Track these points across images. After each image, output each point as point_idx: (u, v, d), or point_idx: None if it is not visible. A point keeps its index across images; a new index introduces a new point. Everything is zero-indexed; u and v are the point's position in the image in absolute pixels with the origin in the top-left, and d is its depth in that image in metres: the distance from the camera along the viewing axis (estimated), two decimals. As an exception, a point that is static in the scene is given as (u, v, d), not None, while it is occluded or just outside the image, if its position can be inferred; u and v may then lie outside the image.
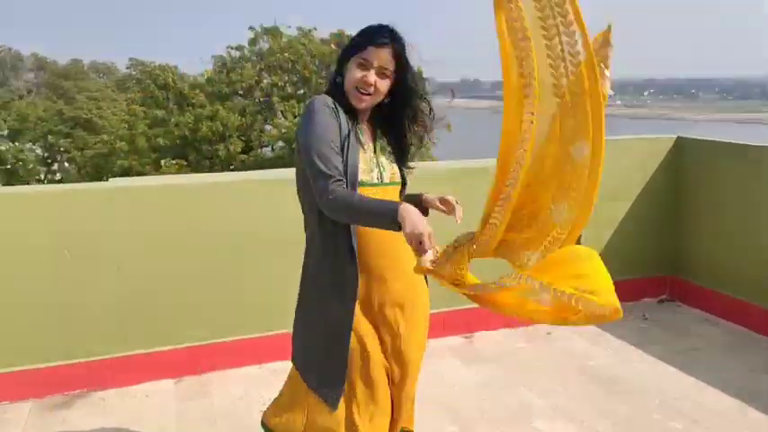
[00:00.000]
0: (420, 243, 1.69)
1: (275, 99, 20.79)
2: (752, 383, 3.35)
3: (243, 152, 20.65)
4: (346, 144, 1.91)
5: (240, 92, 21.54)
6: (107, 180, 3.88)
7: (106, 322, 3.32)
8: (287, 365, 3.46)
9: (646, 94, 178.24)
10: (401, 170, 2.10)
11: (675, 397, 3.23)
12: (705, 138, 4.53)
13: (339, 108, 1.95)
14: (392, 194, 2.02)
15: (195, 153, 20.85)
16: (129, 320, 3.35)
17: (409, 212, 1.71)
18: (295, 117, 19.87)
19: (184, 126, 20.61)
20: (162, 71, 22.82)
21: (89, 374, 3.31)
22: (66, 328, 3.25)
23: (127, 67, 37.02)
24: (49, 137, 29.11)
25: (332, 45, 21.93)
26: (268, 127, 21.02)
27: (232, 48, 22.30)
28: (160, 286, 3.38)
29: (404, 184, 2.13)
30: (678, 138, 4.57)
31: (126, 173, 21.46)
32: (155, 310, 3.39)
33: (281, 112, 20.47)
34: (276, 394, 3.27)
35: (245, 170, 18.62)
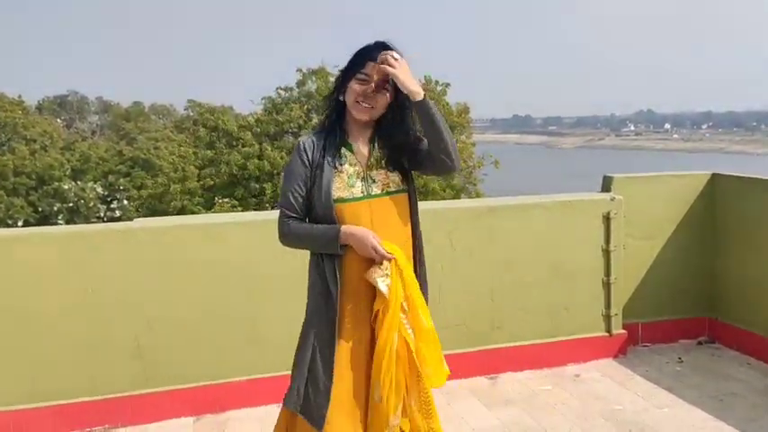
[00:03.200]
0: (375, 251, 2.02)
1: (321, 138, 21.14)
2: (791, 433, 3.15)
3: (290, 190, 21.02)
4: (318, 171, 2.11)
5: (289, 131, 22.03)
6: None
7: (128, 359, 3.38)
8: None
9: (704, 127, 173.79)
10: (407, 177, 2.21)
11: (705, 446, 3.06)
12: (741, 174, 4.36)
13: (322, 137, 2.15)
14: (385, 205, 2.14)
15: (243, 191, 21.33)
16: (150, 358, 3.40)
17: (351, 230, 2.04)
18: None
19: (234, 164, 21.16)
20: (212, 113, 23.56)
21: (110, 411, 3.36)
22: (88, 365, 3.33)
23: (185, 109, 38.45)
24: (110, 176, 30.32)
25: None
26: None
27: (281, 89, 22.94)
28: (182, 324, 3.43)
29: (411, 191, 2.23)
30: (714, 174, 4.42)
31: (180, 212, 22.10)
32: (175, 348, 3.43)
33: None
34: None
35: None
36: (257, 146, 21.43)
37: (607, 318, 4.12)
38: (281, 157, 21.06)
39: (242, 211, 19.48)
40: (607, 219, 4.03)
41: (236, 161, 21.44)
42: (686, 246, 4.38)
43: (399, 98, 2.14)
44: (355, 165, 2.15)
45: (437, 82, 22.66)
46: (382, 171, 2.17)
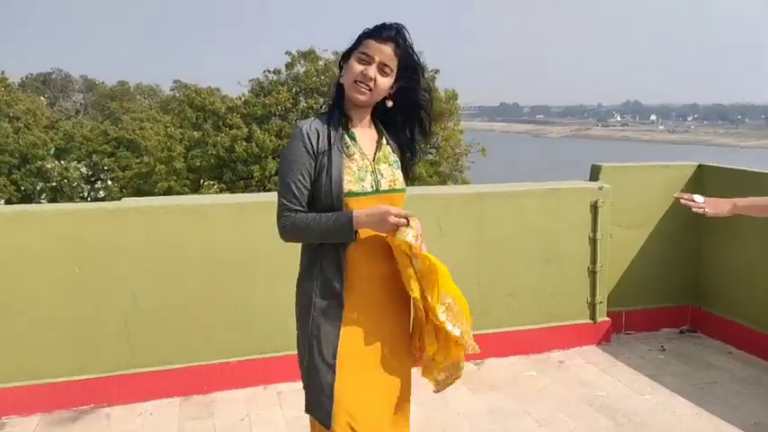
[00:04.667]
0: (394, 217, 1.85)
1: (310, 121, 21.08)
2: (769, 421, 3.21)
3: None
4: (326, 160, 1.93)
5: (277, 114, 21.92)
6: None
7: (115, 340, 3.37)
8: (292, 387, 3.51)
9: (689, 119, 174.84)
10: (406, 177, 2.09)
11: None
12: (728, 165, 4.42)
13: (324, 123, 1.96)
14: (393, 202, 1.98)
15: (231, 173, 21.23)
16: (137, 338, 3.40)
17: (366, 210, 1.88)
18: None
19: (221, 146, 21.03)
20: (198, 94, 23.37)
21: (97, 391, 3.36)
22: (75, 345, 3.32)
23: (171, 89, 38.10)
24: (94, 156, 30.00)
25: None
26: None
27: (269, 72, 22.78)
28: (169, 305, 3.43)
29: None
30: (700, 165, 4.47)
31: (166, 193, 21.96)
32: (163, 328, 3.43)
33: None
34: (279, 416, 3.30)
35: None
36: (245, 128, 21.30)
37: (592, 305, 4.17)
38: (270, 140, 20.96)
39: (229, 193, 19.39)
40: (595, 207, 4.06)
41: (223, 143, 21.32)
42: (672, 235, 4.43)
43: (405, 85, 2.01)
44: (363, 156, 1.99)
45: (425, 68, 22.58)
46: (388, 167, 2.03)
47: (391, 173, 2.03)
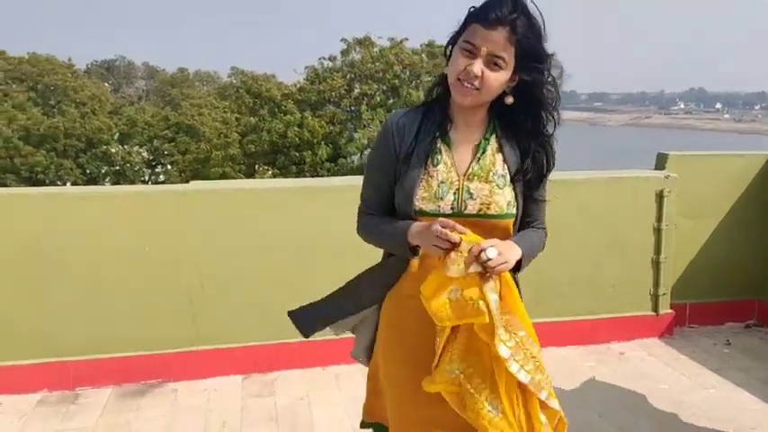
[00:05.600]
0: (436, 238, 1.49)
1: (363, 108, 21.18)
2: (842, 420, 3.09)
3: (331, 159, 21.16)
4: (404, 168, 1.63)
5: (331, 101, 22.09)
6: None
7: (181, 317, 3.49)
8: (350, 369, 3.57)
9: (757, 108, 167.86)
10: (517, 199, 1.65)
11: (752, 427, 3.03)
12: (802, 155, 4.24)
13: (418, 119, 1.66)
14: (485, 230, 1.57)
15: (284, 158, 21.54)
16: (202, 317, 3.51)
17: (419, 225, 1.57)
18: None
19: (274, 132, 21.35)
20: (255, 81, 23.74)
21: (165, 366, 3.49)
22: (144, 321, 3.45)
23: (228, 76, 38.83)
24: (155, 141, 30.91)
25: (422, 55, 22.12)
26: (356, 135, 21.42)
27: (324, 59, 22.95)
28: (233, 286, 3.52)
29: (518, 217, 1.67)
30: (772, 154, 4.31)
31: (222, 178, 22.46)
32: (226, 308, 3.53)
33: (369, 120, 20.81)
34: (337, 398, 3.36)
35: (332, 176, 19.11)
36: (298, 114, 21.56)
37: (655, 297, 4.08)
38: (321, 126, 21.14)
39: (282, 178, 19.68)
40: (660, 197, 3.96)
41: (277, 129, 21.63)
42: (738, 227, 4.29)
43: (526, 78, 1.58)
44: (451, 168, 1.62)
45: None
46: (485, 185, 1.62)
47: (488, 193, 1.61)
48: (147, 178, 31.22)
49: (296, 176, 20.04)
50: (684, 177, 4.06)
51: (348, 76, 22.06)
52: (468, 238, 1.50)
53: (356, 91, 21.95)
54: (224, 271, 3.51)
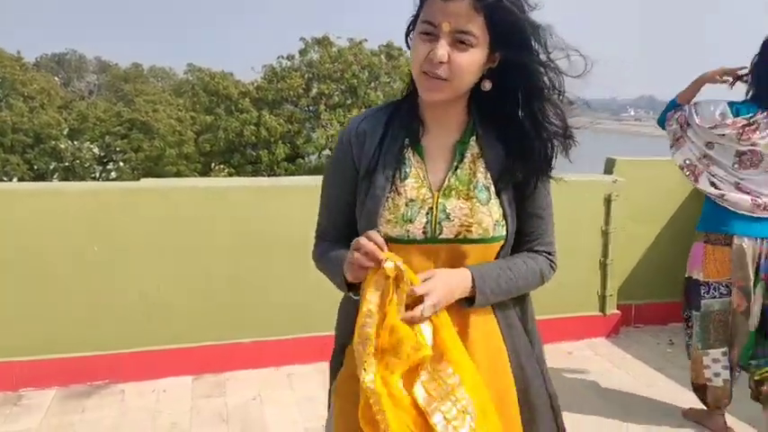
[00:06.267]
0: (355, 266, 1.23)
1: (321, 108, 21.14)
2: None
3: (288, 159, 21.06)
4: (365, 184, 1.32)
5: (289, 100, 21.98)
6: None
7: (130, 317, 3.43)
8: (303, 369, 3.57)
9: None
10: (506, 215, 1.33)
11: (692, 424, 3.15)
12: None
13: (383, 123, 1.35)
14: (460, 257, 1.31)
15: (240, 157, 21.34)
16: (152, 316, 3.46)
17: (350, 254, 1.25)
18: (342, 125, 20.17)
19: (231, 131, 21.14)
20: (212, 78, 23.46)
21: (112, 366, 3.42)
22: (92, 321, 3.38)
23: (184, 73, 38.23)
24: (107, 137, 30.18)
25: (381, 56, 22.20)
26: (315, 135, 21.37)
27: (283, 58, 22.82)
28: (184, 285, 3.48)
29: (509, 238, 1.35)
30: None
31: (176, 176, 22.11)
32: (177, 307, 3.48)
33: (328, 121, 20.78)
34: (289, 398, 3.35)
35: (289, 176, 19.01)
36: (256, 113, 21.38)
37: (602, 298, 4.19)
38: (279, 125, 21.02)
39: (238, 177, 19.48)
40: (608, 201, 4.07)
41: (233, 128, 21.41)
42: (682, 231, 4.41)
43: (510, 57, 1.24)
44: (422, 183, 1.31)
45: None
46: (464, 202, 1.29)
47: (468, 212, 1.29)
48: (97, 175, 30.42)
49: (252, 176, 19.86)
50: (632, 182, 4.19)
51: (306, 75, 21.99)
52: (393, 257, 1.21)
53: (314, 90, 21.89)
54: (176, 270, 3.47)
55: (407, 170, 1.31)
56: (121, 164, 30.11)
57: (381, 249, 1.21)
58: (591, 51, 1.27)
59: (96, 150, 30.69)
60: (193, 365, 3.54)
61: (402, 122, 1.34)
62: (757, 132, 2.76)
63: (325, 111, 21.21)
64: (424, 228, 1.29)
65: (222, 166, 23.39)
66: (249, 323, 3.61)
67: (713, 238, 2.93)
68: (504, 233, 1.33)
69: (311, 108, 22.15)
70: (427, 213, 1.29)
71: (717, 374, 2.98)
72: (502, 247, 1.35)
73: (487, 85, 1.28)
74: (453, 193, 1.30)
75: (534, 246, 1.42)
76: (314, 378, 3.50)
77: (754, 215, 2.81)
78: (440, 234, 1.29)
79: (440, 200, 1.29)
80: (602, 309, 4.21)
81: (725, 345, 2.98)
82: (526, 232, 1.40)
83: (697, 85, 3.03)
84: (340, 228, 1.41)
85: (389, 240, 1.27)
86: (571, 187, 4.06)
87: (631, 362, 3.89)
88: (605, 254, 4.14)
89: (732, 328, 2.96)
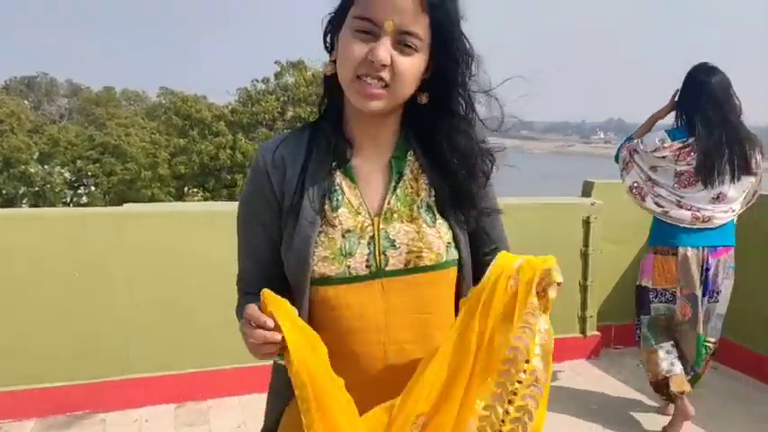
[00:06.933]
0: (251, 340, 1.04)
1: (297, 131, 21.23)
2: (754, 434, 3.30)
3: (263, 182, 21.06)
4: (289, 220, 1.14)
5: (264, 123, 21.98)
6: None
7: (112, 345, 3.38)
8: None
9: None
10: (456, 236, 1.18)
11: (674, 444, 3.19)
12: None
13: (303, 146, 1.18)
14: (413, 290, 1.14)
15: (215, 181, 21.24)
16: (134, 344, 3.41)
17: (249, 308, 1.06)
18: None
19: (205, 154, 21.05)
20: (185, 101, 23.39)
21: (92, 396, 3.36)
22: (72, 350, 3.32)
23: (157, 96, 38.06)
24: (78, 161, 29.79)
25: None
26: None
27: (258, 81, 22.86)
28: (166, 311, 3.44)
29: (464, 259, 1.19)
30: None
31: (150, 200, 21.90)
32: (160, 335, 3.44)
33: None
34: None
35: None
36: (231, 136, 21.34)
37: (582, 319, 4.24)
38: (254, 148, 20.99)
39: (213, 201, 19.37)
40: (587, 223, 4.15)
41: (207, 151, 21.32)
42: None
43: (450, 63, 1.12)
44: (358, 209, 1.15)
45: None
46: (409, 225, 1.14)
47: (415, 235, 1.14)
48: (68, 200, 30.00)
49: (228, 199, 19.74)
50: (609, 204, 4.27)
51: (282, 98, 22.04)
52: (291, 335, 1.02)
53: (290, 114, 21.94)
54: (158, 296, 3.43)
55: (339, 197, 1.14)
56: (93, 188, 29.71)
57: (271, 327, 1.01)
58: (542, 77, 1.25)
59: (67, 175, 30.27)
60: (176, 393, 3.49)
61: (326, 143, 1.17)
62: (691, 154, 3.09)
63: (301, 134, 21.31)
64: (367, 260, 1.12)
65: (196, 190, 23.25)
66: (231, 349, 3.55)
67: (661, 250, 3.27)
68: (457, 256, 1.18)
69: (286, 131, 22.21)
70: (369, 243, 1.12)
71: (672, 364, 3.24)
72: (461, 275, 1.19)
73: (424, 99, 1.15)
74: (395, 216, 1.14)
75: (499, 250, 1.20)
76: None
77: (696, 227, 3.14)
78: (386, 266, 1.12)
79: (381, 226, 1.13)
80: (583, 330, 4.25)
81: (671, 340, 3.30)
82: (487, 241, 1.27)
83: (650, 122, 3.42)
84: (264, 274, 1.20)
85: (326, 282, 1.11)
86: (550, 210, 4.18)
87: (612, 383, 3.93)
88: (585, 275, 4.20)
89: (680, 335, 3.28)
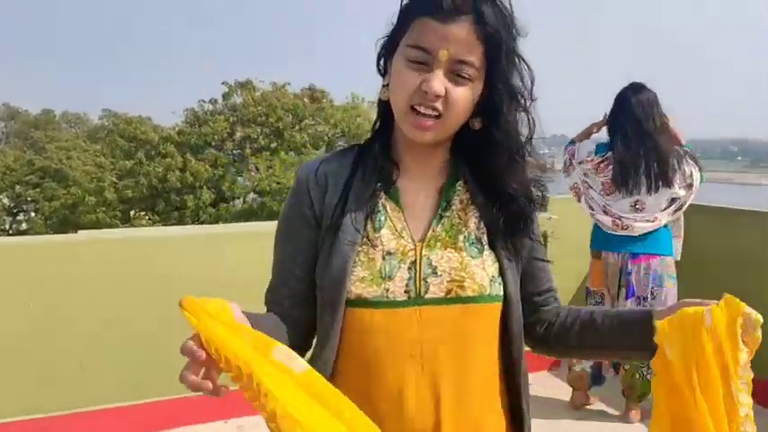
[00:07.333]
0: (186, 374, 0.95)
1: (248, 151, 20.99)
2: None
3: (214, 204, 20.69)
4: (328, 239, 1.11)
5: (213, 144, 21.70)
6: (74, 231, 3.89)
7: (69, 376, 3.27)
8: (252, 420, 3.48)
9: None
10: (503, 269, 1.12)
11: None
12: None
13: (348, 165, 1.16)
14: (451, 321, 1.08)
15: (164, 203, 20.82)
16: (93, 374, 3.31)
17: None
18: (268, 169, 20.06)
19: (153, 176, 20.63)
20: (129, 123, 22.93)
21: (52, 430, 3.23)
22: (29, 383, 3.20)
23: (99, 118, 37.16)
24: (17, 186, 28.74)
25: (304, 99, 22.36)
26: (241, 179, 21.12)
27: (205, 102, 22.60)
28: (126, 339, 3.36)
29: (510, 298, 1.13)
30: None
31: (95, 226, 21.27)
32: (120, 363, 3.35)
33: (255, 165, 20.64)
34: (240, 450, 3.26)
35: (215, 221, 18.66)
36: (180, 158, 20.98)
37: (543, 331, 4.31)
38: (206, 170, 20.70)
39: (162, 224, 18.98)
40: (545, 237, 4.22)
41: (156, 173, 20.89)
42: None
43: (506, 90, 1.08)
44: (401, 233, 1.11)
45: (363, 99, 22.92)
46: (454, 253, 1.10)
47: (458, 265, 1.09)
48: (7, 227, 28.88)
49: (178, 222, 19.37)
50: (564, 219, 4.37)
51: (231, 119, 21.80)
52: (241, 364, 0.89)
53: (239, 134, 21.70)
54: (116, 324, 3.34)
55: (381, 218, 1.11)
56: (33, 214, 28.69)
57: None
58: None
59: (6, 201, 29.18)
60: (136, 424, 3.39)
61: (373, 164, 1.14)
62: (609, 167, 3.39)
63: (251, 155, 21.05)
64: (407, 285, 1.07)
65: (144, 213, 22.70)
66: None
67: (594, 253, 3.59)
68: (502, 292, 1.11)
69: (236, 152, 21.93)
70: (409, 268, 1.08)
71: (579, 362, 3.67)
72: (508, 311, 1.13)
73: (477, 125, 1.11)
74: (439, 244, 1.10)
75: (553, 297, 1.25)
76: (264, 429, 3.42)
77: (617, 233, 3.42)
78: (426, 293, 1.07)
79: (423, 252, 1.09)
80: (544, 342, 4.32)
81: None
82: (540, 286, 1.23)
83: (588, 131, 3.74)
84: (294, 292, 1.15)
85: (362, 304, 1.06)
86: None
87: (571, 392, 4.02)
88: (544, 289, 4.27)
89: None
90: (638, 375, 3.54)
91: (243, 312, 1.00)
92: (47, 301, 3.22)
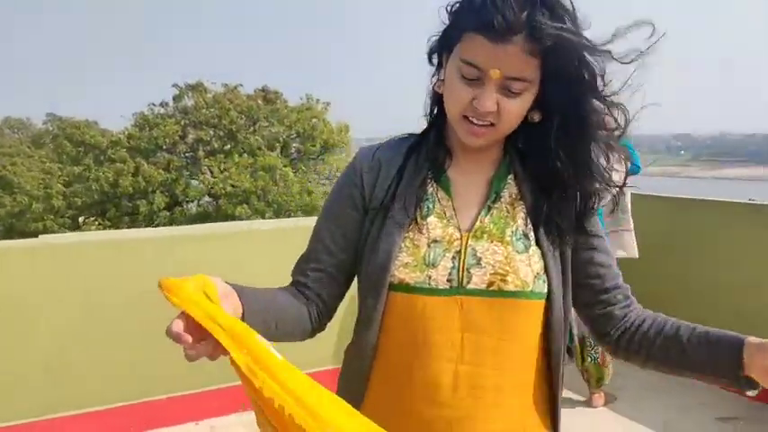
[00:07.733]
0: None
1: (201, 154, 20.69)
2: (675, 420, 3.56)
3: (168, 207, 20.32)
4: (378, 220, 1.13)
5: (165, 147, 21.29)
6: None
7: (33, 384, 3.19)
8: (225, 421, 3.46)
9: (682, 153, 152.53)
10: (548, 266, 1.10)
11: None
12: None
13: (402, 152, 1.17)
14: (493, 312, 1.07)
15: (115, 209, 20.34)
16: (57, 381, 3.23)
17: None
18: (222, 172, 19.81)
19: (104, 182, 20.13)
20: (76, 128, 22.30)
21: (14, 440, 3.15)
22: (-10, 392, 3.11)
23: (44, 123, 35.97)
24: (-42, 195, 27.64)
25: (258, 100, 22.16)
26: (195, 182, 20.80)
27: (155, 105, 22.17)
28: (90, 344, 3.29)
29: (553, 296, 1.11)
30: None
31: (43, 233, 20.60)
32: (85, 368, 3.29)
33: (208, 167, 20.36)
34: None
35: (169, 225, 18.32)
36: (132, 162, 20.53)
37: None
38: (159, 173, 20.30)
39: (113, 230, 18.49)
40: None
41: (106, 178, 20.39)
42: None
43: (565, 88, 1.04)
44: (448, 222, 1.11)
45: (318, 100, 22.85)
46: (500, 246, 1.09)
47: (503, 258, 1.08)
48: (-52, 236, 27.76)
49: (129, 227, 18.93)
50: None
51: (183, 122, 21.43)
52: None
53: (191, 137, 21.36)
54: (80, 329, 3.28)
55: (430, 206, 1.12)
56: (-24, 223, 27.64)
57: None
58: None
59: (-55, 210, 28.04)
60: (106, 429, 3.33)
61: (426, 152, 1.16)
62: None
63: (205, 157, 20.75)
64: (450, 274, 1.06)
65: (93, 219, 22.12)
66: (163, 378, 3.46)
67: None
68: (545, 290, 1.09)
69: (188, 155, 21.58)
70: (453, 257, 1.07)
71: None
72: (550, 309, 1.11)
73: (536, 117, 1.09)
74: (485, 236, 1.09)
75: (622, 296, 1.18)
76: (236, 429, 3.41)
77: None
78: (468, 283, 1.06)
79: (469, 242, 1.08)
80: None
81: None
82: (605, 284, 1.17)
83: None
84: (324, 264, 1.16)
85: (404, 289, 1.07)
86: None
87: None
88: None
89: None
90: (590, 359, 3.65)
91: (228, 283, 0.99)
92: (9, 306, 3.13)
